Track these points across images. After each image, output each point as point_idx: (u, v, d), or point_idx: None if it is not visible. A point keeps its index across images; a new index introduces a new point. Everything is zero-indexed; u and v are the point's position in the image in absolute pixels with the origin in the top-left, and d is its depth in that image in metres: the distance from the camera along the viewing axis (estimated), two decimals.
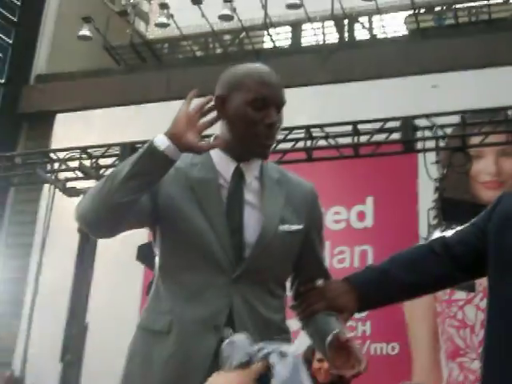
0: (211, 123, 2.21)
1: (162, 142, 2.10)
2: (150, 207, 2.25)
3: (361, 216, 10.00)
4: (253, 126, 2.26)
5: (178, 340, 2.20)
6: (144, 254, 8.10)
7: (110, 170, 8.71)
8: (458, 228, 2.47)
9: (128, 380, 2.30)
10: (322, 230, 2.54)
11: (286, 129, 8.02)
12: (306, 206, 2.42)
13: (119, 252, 9.64)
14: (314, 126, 8.19)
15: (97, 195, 2.15)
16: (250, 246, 2.27)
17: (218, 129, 2.37)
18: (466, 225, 2.46)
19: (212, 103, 2.22)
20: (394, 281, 2.38)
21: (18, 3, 12.68)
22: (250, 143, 2.29)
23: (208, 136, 2.36)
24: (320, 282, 2.38)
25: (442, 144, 7.93)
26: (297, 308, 2.38)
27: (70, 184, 8.88)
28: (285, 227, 2.32)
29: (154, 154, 2.09)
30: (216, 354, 2.13)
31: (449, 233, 2.48)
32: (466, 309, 9.14)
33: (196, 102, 2.16)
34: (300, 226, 2.36)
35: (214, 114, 2.24)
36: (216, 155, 2.35)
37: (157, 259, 2.35)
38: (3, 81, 12.32)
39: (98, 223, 2.19)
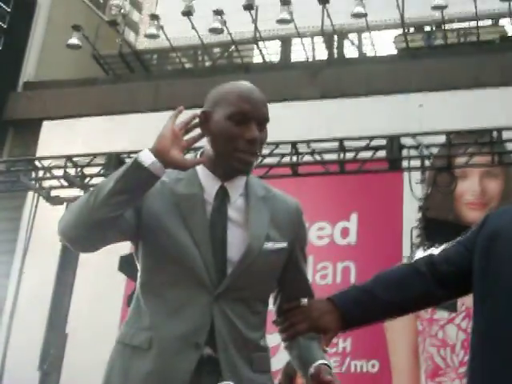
0: (196, 140, 2.19)
1: (147, 158, 2.07)
2: (134, 222, 2.22)
3: (344, 232, 10.00)
4: (233, 141, 2.23)
5: (157, 356, 2.18)
6: (126, 264, 8.08)
7: (94, 180, 8.71)
8: (445, 246, 2.46)
9: None
10: (306, 247, 2.52)
11: (272, 143, 8.04)
12: (290, 223, 2.39)
13: (101, 261, 9.59)
14: (301, 142, 8.21)
15: (80, 211, 2.13)
16: (232, 264, 2.24)
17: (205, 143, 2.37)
18: (453, 243, 2.45)
19: (197, 120, 2.21)
20: (377, 300, 2.37)
21: (8, 10, 12.65)
22: (230, 158, 2.25)
23: (196, 149, 2.36)
24: (304, 301, 2.37)
25: (427, 163, 7.95)
26: (280, 325, 2.37)
27: (54, 192, 8.86)
28: (269, 245, 2.30)
29: (139, 170, 2.07)
30: (196, 371, 2.14)
31: (435, 251, 2.47)
32: (447, 328, 9.15)
33: (181, 118, 2.15)
34: (284, 244, 2.34)
35: (198, 130, 2.23)
36: (201, 172, 2.33)
37: (139, 273, 2.33)
38: None
39: (81, 238, 2.17)
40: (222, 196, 2.31)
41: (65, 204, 8.40)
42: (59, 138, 11.10)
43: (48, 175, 9.00)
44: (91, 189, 2.19)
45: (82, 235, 2.15)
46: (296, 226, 2.42)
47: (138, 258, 2.33)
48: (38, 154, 10.81)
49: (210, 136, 2.28)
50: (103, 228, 2.13)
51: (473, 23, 11.26)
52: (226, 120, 2.24)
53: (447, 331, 9.16)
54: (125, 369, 2.22)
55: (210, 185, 2.32)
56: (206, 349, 2.19)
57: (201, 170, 2.33)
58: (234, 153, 2.23)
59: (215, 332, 2.20)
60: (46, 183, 9.06)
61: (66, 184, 8.84)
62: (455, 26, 11.54)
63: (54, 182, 8.96)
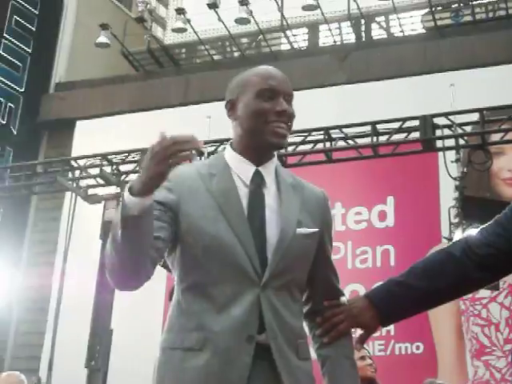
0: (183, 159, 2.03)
1: (131, 204, 2.01)
2: (171, 229, 2.21)
3: (382, 216, 9.98)
4: (264, 115, 2.25)
5: (212, 355, 2.16)
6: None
7: (130, 176, 8.77)
8: (482, 227, 2.43)
9: None
10: (332, 235, 2.53)
11: (304, 131, 8.03)
12: (319, 210, 2.40)
13: None
14: (333, 128, 8.18)
15: (112, 259, 2.13)
16: (271, 251, 2.24)
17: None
18: (490, 223, 2.40)
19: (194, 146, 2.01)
20: (414, 292, 2.35)
21: (36, 12, 12.76)
22: (263, 133, 2.26)
23: (225, 141, 2.37)
24: (343, 299, 2.37)
25: (461, 142, 7.89)
26: (320, 327, 2.36)
27: (91, 191, 8.92)
28: (302, 230, 2.30)
29: (127, 220, 2.01)
30: (253, 364, 2.14)
31: (471, 234, 2.45)
32: (491, 307, 9.10)
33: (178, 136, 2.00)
34: (316, 229, 2.35)
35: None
36: (233, 161, 2.33)
37: (177, 277, 2.31)
38: (23, 90, 12.39)
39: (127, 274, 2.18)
40: (258, 180, 2.31)
41: (103, 202, 8.46)
42: (93, 137, 11.19)
43: (84, 174, 9.08)
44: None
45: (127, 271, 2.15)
46: (324, 213, 2.43)
47: (174, 262, 2.31)
48: (73, 153, 10.91)
49: (239, 120, 2.30)
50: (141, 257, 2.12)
51: None
52: (255, 99, 2.27)
53: (491, 309, 9.12)
54: (177, 372, 2.19)
55: (244, 170, 2.31)
56: (259, 338, 2.18)
57: (232, 158, 2.33)
58: (267, 126, 2.25)
59: (265, 323, 2.19)
60: (83, 182, 9.13)
61: (102, 182, 8.91)
62: (483, 1, 11.41)
63: (91, 181, 9.03)
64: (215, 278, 2.21)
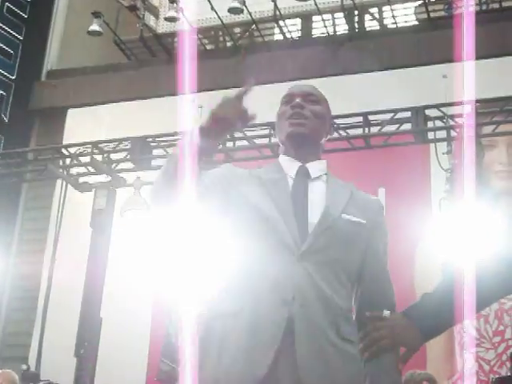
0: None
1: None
2: (222, 201, 2.48)
3: None
4: (284, 114, 2.62)
5: (250, 315, 2.30)
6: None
7: (121, 165, 8.76)
8: None
9: (206, 360, 2.36)
10: (386, 247, 2.64)
11: None
12: (371, 211, 2.58)
13: (131, 246, 9.70)
14: None
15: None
16: (313, 226, 2.41)
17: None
18: None
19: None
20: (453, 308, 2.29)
21: None
22: (285, 128, 2.60)
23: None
24: (387, 313, 2.31)
25: (453, 134, 7.89)
26: (361, 341, 2.29)
27: (82, 179, 8.91)
28: (347, 216, 2.48)
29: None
30: (287, 325, 2.27)
31: None
32: None
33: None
34: (363, 221, 2.51)
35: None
36: (283, 160, 2.65)
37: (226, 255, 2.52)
38: (14, 77, 12.33)
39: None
40: (303, 172, 2.58)
41: (93, 190, 8.45)
42: (84, 125, 11.16)
43: (75, 162, 9.06)
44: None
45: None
46: (376, 216, 2.60)
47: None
48: (64, 141, 10.88)
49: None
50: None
51: None
52: (280, 106, 2.68)
53: None
54: (220, 335, 2.35)
55: (290, 166, 2.61)
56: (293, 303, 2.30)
57: (282, 159, 2.66)
58: (286, 121, 2.60)
59: (297, 289, 2.31)
60: (74, 170, 9.12)
61: (93, 170, 8.90)
62: None
63: (82, 169, 9.02)
64: (254, 245, 2.42)
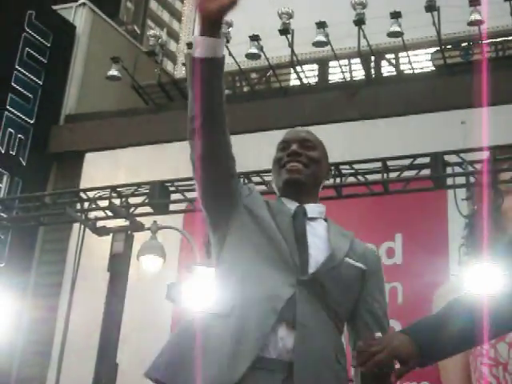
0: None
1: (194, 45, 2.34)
2: (233, 205, 2.51)
3: (390, 252, 9.93)
4: (280, 161, 2.64)
5: (237, 319, 2.31)
6: (173, 292, 8.11)
7: (140, 209, 8.76)
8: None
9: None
10: (383, 293, 2.67)
11: None
12: (369, 259, 2.59)
13: (149, 290, 9.66)
14: (344, 163, 8.18)
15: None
16: (316, 262, 2.43)
17: None
18: None
19: None
20: (454, 325, 2.30)
21: (48, 45, 12.86)
22: (281, 175, 2.62)
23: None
24: (378, 334, 2.34)
25: (472, 180, 7.87)
26: (358, 356, 2.29)
27: (100, 223, 8.90)
28: (350, 260, 2.50)
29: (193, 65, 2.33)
30: (272, 331, 2.28)
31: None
32: (499, 346, 9.01)
33: None
34: (364, 267, 2.54)
35: None
36: (284, 201, 2.64)
37: (223, 259, 2.52)
38: (33, 121, 12.45)
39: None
40: (300, 210, 2.59)
41: (111, 235, 8.45)
42: (102, 169, 11.21)
43: (93, 206, 9.06)
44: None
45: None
46: (374, 265, 2.61)
47: (223, 246, 2.53)
48: (82, 185, 10.92)
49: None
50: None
51: (511, 37, 11.19)
52: (276, 153, 2.69)
53: (499, 349, 9.03)
54: (207, 335, 2.33)
55: (290, 204, 2.61)
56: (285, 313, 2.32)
57: (284, 201, 2.64)
58: (282, 168, 2.62)
59: (296, 304, 2.33)
60: (92, 214, 9.12)
61: (111, 214, 8.90)
62: (493, 40, 11.45)
63: (100, 213, 9.02)
64: (256, 258, 2.44)
